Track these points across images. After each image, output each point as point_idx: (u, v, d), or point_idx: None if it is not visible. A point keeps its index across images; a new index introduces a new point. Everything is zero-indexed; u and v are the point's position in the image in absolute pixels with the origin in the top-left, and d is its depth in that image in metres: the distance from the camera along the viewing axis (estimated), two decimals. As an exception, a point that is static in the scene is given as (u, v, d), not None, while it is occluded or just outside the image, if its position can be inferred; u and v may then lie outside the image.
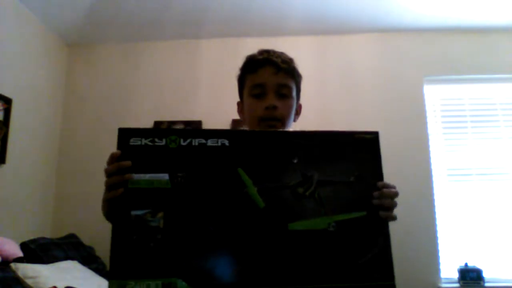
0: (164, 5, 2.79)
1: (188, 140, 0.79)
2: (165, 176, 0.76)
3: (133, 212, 0.74)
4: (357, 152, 0.83)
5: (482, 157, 3.02)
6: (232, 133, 0.83)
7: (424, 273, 2.79)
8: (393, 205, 0.84)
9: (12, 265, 1.98)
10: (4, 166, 2.51)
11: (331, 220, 0.78)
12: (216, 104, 3.16)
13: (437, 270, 2.82)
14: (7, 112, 2.54)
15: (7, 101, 2.54)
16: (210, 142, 0.79)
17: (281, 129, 1.00)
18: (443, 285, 2.77)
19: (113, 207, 0.75)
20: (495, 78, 3.11)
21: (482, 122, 3.08)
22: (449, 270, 2.82)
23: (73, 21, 2.99)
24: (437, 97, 3.15)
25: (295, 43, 3.17)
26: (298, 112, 1.10)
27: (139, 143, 0.80)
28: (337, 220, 0.79)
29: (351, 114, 3.07)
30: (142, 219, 0.74)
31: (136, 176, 0.76)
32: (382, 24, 3.09)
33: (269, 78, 1.01)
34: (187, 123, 3.13)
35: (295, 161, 0.80)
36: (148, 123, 3.16)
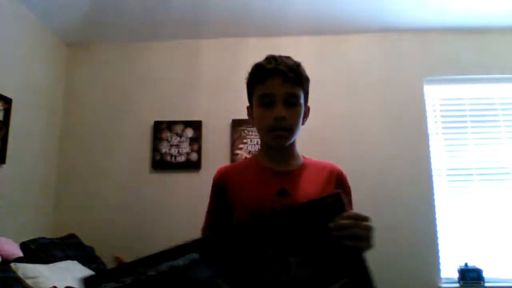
0: (164, 5, 2.79)
1: (156, 268, 0.74)
2: None
3: None
4: (326, 219, 0.79)
5: (482, 157, 3.02)
6: (198, 243, 0.77)
7: (424, 273, 2.79)
8: (364, 235, 0.80)
9: (12, 265, 1.98)
10: (4, 166, 2.51)
11: None
12: (216, 104, 3.16)
13: (437, 270, 2.82)
14: (7, 112, 2.54)
15: (7, 101, 2.54)
16: (180, 262, 0.74)
17: (286, 139, 1.04)
18: (443, 285, 2.77)
19: None
20: (495, 78, 3.11)
21: (482, 122, 3.08)
22: (449, 270, 2.82)
23: (73, 21, 2.99)
24: (437, 97, 3.15)
25: (295, 43, 3.17)
26: (306, 115, 1.12)
27: None
28: None
29: (351, 114, 3.07)
30: None
31: None
32: (382, 24, 3.09)
33: (277, 88, 1.02)
34: (187, 123, 3.13)
35: (270, 251, 0.77)
36: (148, 123, 3.16)
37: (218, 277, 0.74)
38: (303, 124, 1.10)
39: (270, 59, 1.07)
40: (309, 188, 1.03)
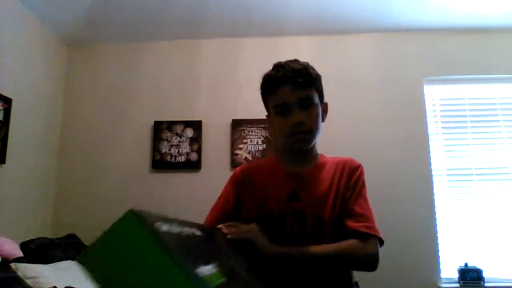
0: (164, 5, 2.79)
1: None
2: None
3: None
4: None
5: (482, 157, 3.02)
6: None
7: (424, 273, 2.79)
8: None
9: (12, 265, 1.98)
10: (4, 166, 2.51)
11: None
12: (216, 104, 3.16)
13: (437, 270, 2.82)
14: (7, 112, 2.54)
15: (7, 101, 2.54)
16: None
17: (308, 142, 1.06)
18: (443, 285, 2.77)
19: None
20: (495, 78, 3.11)
21: (482, 122, 3.08)
22: (449, 270, 2.81)
23: (73, 21, 2.99)
24: (437, 97, 3.15)
25: (295, 43, 3.17)
26: (325, 112, 1.13)
27: None
28: None
29: (350, 114, 3.07)
30: None
31: None
32: (382, 24, 3.09)
33: (288, 96, 1.03)
34: (187, 123, 3.13)
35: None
36: (148, 123, 3.16)
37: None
38: (323, 121, 1.10)
39: (277, 67, 1.07)
40: (321, 188, 1.05)
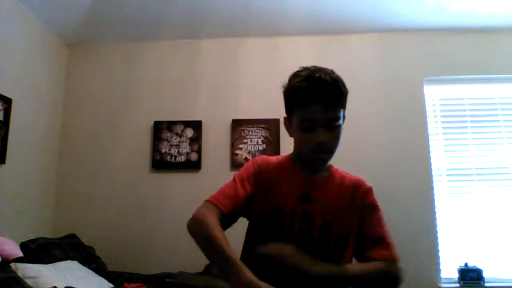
0: (164, 5, 2.79)
1: None
2: None
3: None
4: None
5: (482, 157, 3.02)
6: None
7: (424, 273, 2.79)
8: None
9: (12, 265, 1.98)
10: (4, 166, 2.51)
11: None
12: (216, 104, 3.16)
13: (437, 270, 2.82)
14: (7, 112, 2.54)
15: (7, 101, 2.54)
16: None
17: (327, 161, 1.08)
18: (443, 285, 2.77)
19: None
20: (495, 78, 3.11)
21: (482, 122, 3.08)
22: (449, 270, 2.82)
23: (73, 21, 2.99)
24: (437, 97, 3.15)
25: (295, 43, 3.17)
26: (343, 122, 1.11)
27: None
28: None
29: (351, 114, 3.06)
30: None
31: None
32: (382, 24, 3.09)
33: (318, 114, 0.99)
34: (187, 123, 3.13)
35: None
36: (148, 123, 3.16)
37: None
38: None
39: (309, 78, 1.00)
40: (332, 197, 1.06)
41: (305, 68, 1.04)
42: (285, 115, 1.12)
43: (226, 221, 1.00)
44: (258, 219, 1.06)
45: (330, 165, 1.14)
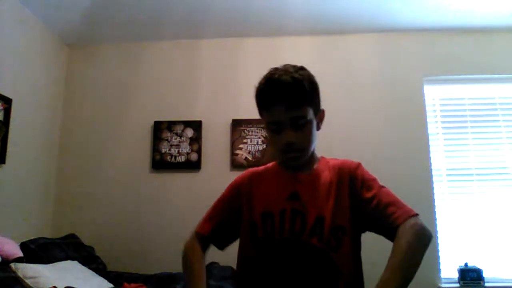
0: (164, 5, 2.79)
1: None
2: None
3: None
4: None
5: (482, 157, 3.02)
6: None
7: (424, 273, 2.77)
8: None
9: (12, 265, 1.98)
10: (4, 166, 2.51)
11: None
12: (216, 104, 3.16)
13: (437, 270, 2.82)
14: (7, 112, 2.54)
15: (7, 101, 2.54)
16: None
17: (300, 159, 1.05)
18: (443, 285, 2.77)
19: None
20: (495, 78, 3.11)
21: (482, 122, 3.08)
22: (449, 270, 2.81)
23: (73, 21, 2.99)
24: (437, 97, 3.15)
25: (295, 43, 3.17)
26: (321, 120, 1.10)
27: None
28: None
29: (351, 114, 3.08)
30: None
31: None
32: (382, 24, 3.09)
33: (281, 115, 0.99)
34: (187, 123, 3.13)
35: None
36: (148, 123, 3.16)
37: None
38: (318, 129, 1.08)
39: (269, 80, 1.01)
40: (321, 190, 1.03)
41: (271, 69, 1.04)
42: None
43: (214, 237, 1.13)
44: (246, 228, 1.06)
45: (321, 157, 1.13)
